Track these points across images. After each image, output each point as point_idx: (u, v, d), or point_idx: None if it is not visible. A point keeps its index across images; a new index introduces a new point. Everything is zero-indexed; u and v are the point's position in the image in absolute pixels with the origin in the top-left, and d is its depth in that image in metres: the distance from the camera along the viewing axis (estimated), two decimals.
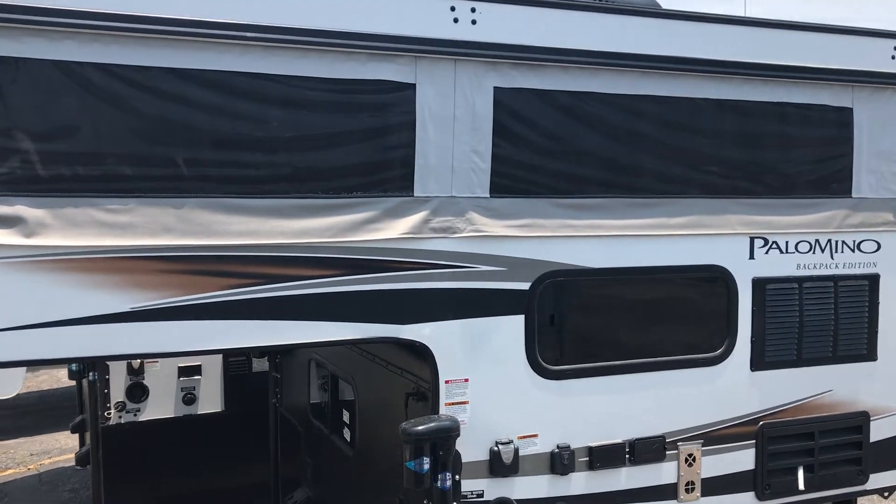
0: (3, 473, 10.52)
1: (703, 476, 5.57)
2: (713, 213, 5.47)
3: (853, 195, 5.89)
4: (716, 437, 5.61)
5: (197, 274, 4.43)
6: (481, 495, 5.03)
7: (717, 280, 5.62)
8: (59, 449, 11.28)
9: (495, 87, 4.93)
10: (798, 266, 5.80)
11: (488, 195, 4.95)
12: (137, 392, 8.11)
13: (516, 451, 5.05)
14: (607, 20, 5.14)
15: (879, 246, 6.01)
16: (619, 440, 5.34)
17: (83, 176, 4.19)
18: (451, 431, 4.75)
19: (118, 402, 8.06)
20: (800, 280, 5.81)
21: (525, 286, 5.06)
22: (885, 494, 6.33)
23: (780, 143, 5.67)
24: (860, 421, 6.03)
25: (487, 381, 5.01)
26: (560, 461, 5.15)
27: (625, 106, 5.24)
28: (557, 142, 5.12)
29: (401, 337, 4.85)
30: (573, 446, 5.20)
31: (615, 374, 5.34)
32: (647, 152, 5.34)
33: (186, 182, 4.37)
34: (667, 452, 5.46)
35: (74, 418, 9.59)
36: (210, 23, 4.30)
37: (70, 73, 4.13)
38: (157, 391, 8.20)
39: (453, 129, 4.85)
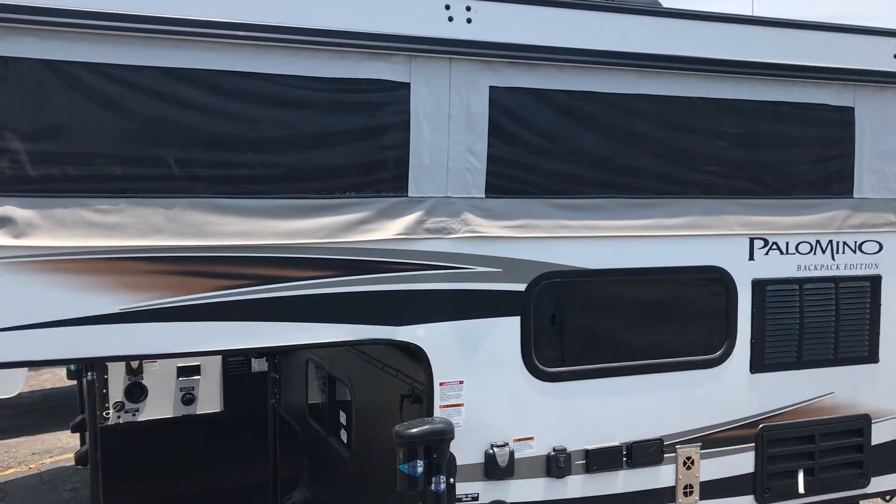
0: (5, 472, 10.51)
1: (702, 479, 5.52)
2: (712, 214, 5.42)
3: (854, 196, 5.83)
4: (715, 440, 5.56)
5: (188, 275, 4.39)
6: (476, 498, 4.99)
7: (715, 281, 5.56)
8: (60, 448, 11.26)
9: (491, 87, 4.89)
10: (798, 267, 5.75)
11: (484, 195, 4.91)
12: (136, 392, 8.08)
13: (512, 453, 5.01)
14: (604, 18, 5.09)
15: (881, 247, 5.95)
16: (617, 443, 5.29)
17: (73, 176, 4.16)
18: (444, 434, 4.71)
19: (117, 402, 8.03)
20: (800, 281, 5.75)
21: (521, 287, 5.02)
22: (887, 498, 6.26)
23: (780, 143, 5.62)
24: (861, 424, 5.97)
25: (483, 384, 4.97)
26: (556, 464, 5.11)
27: (622, 105, 5.19)
28: (554, 141, 5.07)
29: (395, 339, 4.81)
30: (569, 449, 5.16)
31: (612, 377, 5.29)
32: (644, 152, 5.29)
33: (177, 182, 4.34)
34: (665, 455, 5.41)
35: (76, 417, 9.58)
36: (201, 21, 4.26)
37: (59, 73, 4.10)
38: (156, 391, 8.17)
39: (448, 128, 4.80)
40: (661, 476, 5.42)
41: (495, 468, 4.97)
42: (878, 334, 5.98)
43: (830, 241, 5.81)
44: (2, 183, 4.04)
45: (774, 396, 5.72)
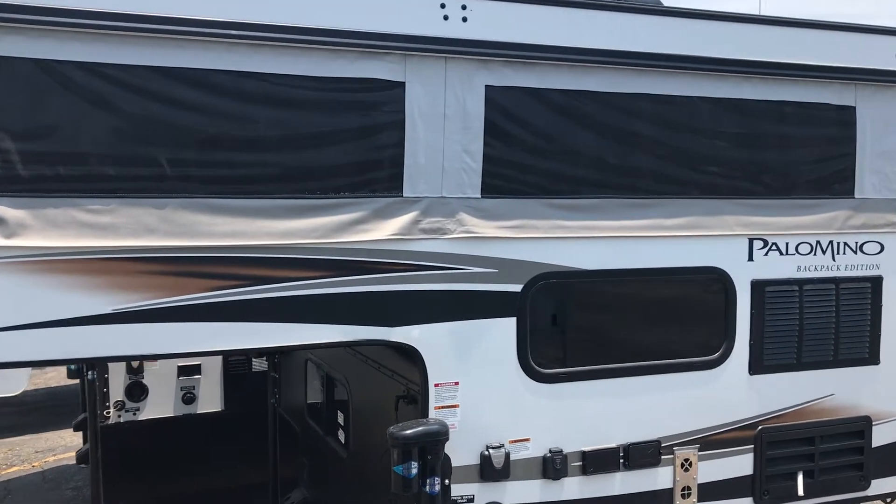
0: (8, 471, 10.52)
1: (700, 481, 5.49)
2: (710, 214, 5.38)
3: (856, 196, 5.78)
4: (713, 442, 5.52)
5: (181, 276, 4.38)
6: (472, 500, 4.97)
7: (714, 282, 5.52)
8: (63, 446, 11.27)
9: (487, 86, 4.86)
10: (798, 268, 5.70)
11: (479, 195, 4.88)
12: (137, 391, 8.09)
13: (507, 455, 4.98)
14: (602, 17, 5.05)
15: (883, 247, 5.90)
16: (614, 444, 5.26)
17: (64, 176, 4.15)
18: (439, 435, 4.69)
19: (117, 401, 8.04)
20: (800, 282, 5.70)
21: (517, 288, 4.99)
22: (888, 500, 6.22)
23: (780, 143, 5.57)
24: (862, 425, 5.92)
25: (478, 385, 4.94)
26: (552, 466, 5.08)
27: (620, 105, 5.16)
28: (550, 141, 5.04)
29: (389, 339, 4.78)
30: (566, 451, 5.13)
31: (609, 378, 5.26)
32: (642, 152, 5.26)
33: (170, 182, 4.32)
34: (662, 457, 5.38)
35: (78, 416, 9.58)
36: (194, 20, 4.24)
37: (50, 72, 4.09)
38: (157, 390, 8.17)
39: (444, 128, 4.78)
40: (658, 478, 5.38)
41: (491, 470, 4.94)
42: (879, 336, 5.93)
43: (831, 242, 5.77)
44: None
45: (773, 398, 5.68)
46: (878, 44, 5.73)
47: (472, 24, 4.74)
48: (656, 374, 5.36)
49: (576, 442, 5.17)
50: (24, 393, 11.72)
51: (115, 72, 4.19)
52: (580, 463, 5.18)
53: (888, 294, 5.93)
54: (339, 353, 6.16)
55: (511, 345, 5.00)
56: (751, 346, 5.60)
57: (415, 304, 4.79)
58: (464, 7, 4.72)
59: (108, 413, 7.98)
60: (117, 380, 8.03)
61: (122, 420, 8.04)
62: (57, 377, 14.67)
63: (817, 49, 5.54)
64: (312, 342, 4.70)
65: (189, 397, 8.27)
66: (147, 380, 8.12)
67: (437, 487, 4.70)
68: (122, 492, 7.69)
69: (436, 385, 4.85)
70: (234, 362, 8.46)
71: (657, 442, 5.36)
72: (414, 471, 4.63)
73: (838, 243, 5.79)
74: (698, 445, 5.47)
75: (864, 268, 5.87)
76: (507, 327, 4.98)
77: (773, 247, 5.61)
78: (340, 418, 6.35)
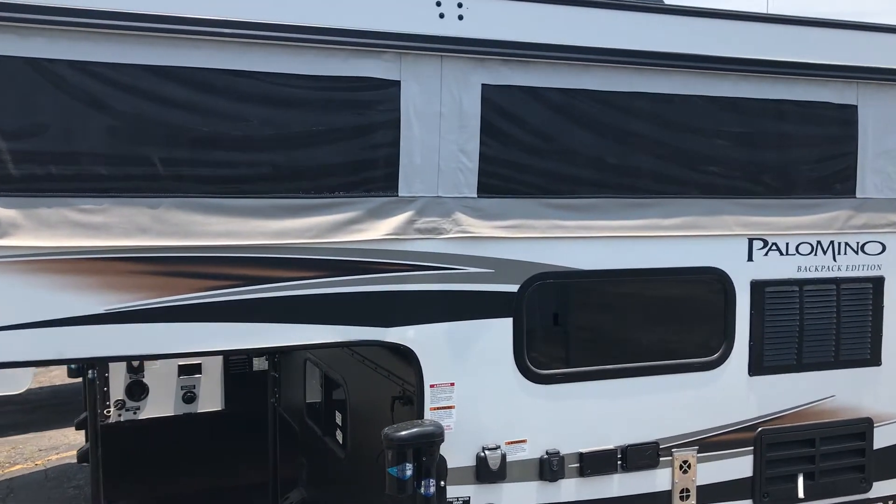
0: (11, 469, 10.54)
1: (699, 483, 5.44)
2: (709, 214, 5.33)
3: (857, 195, 5.73)
4: (712, 444, 5.48)
5: (173, 276, 4.35)
6: (468, 502, 4.93)
7: (713, 282, 5.47)
8: (67, 445, 11.29)
9: (483, 85, 4.82)
10: (799, 268, 5.65)
11: (476, 195, 4.84)
12: (137, 390, 8.06)
13: (504, 456, 4.95)
14: (599, 15, 5.01)
15: (884, 248, 5.84)
16: (611, 446, 5.22)
17: (56, 175, 4.13)
18: (434, 437, 4.66)
19: (118, 400, 8.01)
20: (800, 283, 5.65)
21: (513, 288, 4.95)
22: (890, 503, 6.15)
23: (781, 142, 5.52)
24: (863, 427, 5.86)
25: (474, 386, 4.91)
26: (549, 467, 5.04)
27: (618, 104, 5.11)
28: (548, 140, 5.00)
29: (384, 340, 4.76)
30: (563, 452, 5.09)
31: (607, 379, 5.21)
32: (641, 151, 5.21)
33: (163, 182, 4.30)
34: (661, 459, 5.33)
35: (81, 414, 9.58)
36: (186, 18, 4.21)
37: (42, 71, 4.07)
38: (157, 389, 8.15)
39: (439, 127, 4.74)
40: (656, 480, 5.34)
41: (487, 471, 4.91)
42: (881, 337, 5.88)
43: (832, 242, 5.71)
44: None
45: (773, 399, 5.63)
46: (881, 42, 5.68)
47: (468, 22, 4.71)
48: (655, 376, 5.32)
49: (573, 443, 5.13)
50: (28, 391, 11.75)
51: (107, 70, 4.17)
52: (577, 465, 5.14)
53: (890, 295, 5.87)
54: (337, 352, 6.13)
55: (507, 345, 4.96)
56: (750, 346, 5.55)
57: (410, 304, 4.76)
58: (460, 5, 4.69)
59: (109, 412, 7.96)
60: (118, 379, 8.00)
61: (122, 419, 8.02)
62: (61, 375, 14.67)
63: (818, 47, 5.49)
64: (306, 343, 4.68)
65: (189, 396, 8.25)
66: (147, 379, 8.09)
67: (433, 489, 4.67)
68: (122, 491, 7.70)
69: (431, 386, 4.82)
70: (235, 361, 8.43)
71: (655, 443, 5.31)
72: (408, 472, 4.60)
73: (839, 243, 5.74)
74: (697, 447, 5.43)
75: (865, 268, 5.81)
76: (503, 328, 4.95)
77: (774, 247, 5.56)
78: (338, 418, 6.33)
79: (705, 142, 5.34)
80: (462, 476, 4.90)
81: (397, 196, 4.71)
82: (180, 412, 8.26)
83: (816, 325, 5.70)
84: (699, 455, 5.43)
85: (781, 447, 5.66)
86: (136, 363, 7.99)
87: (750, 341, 5.54)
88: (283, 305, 4.53)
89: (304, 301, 4.57)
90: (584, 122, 5.06)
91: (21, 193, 4.06)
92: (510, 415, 5.00)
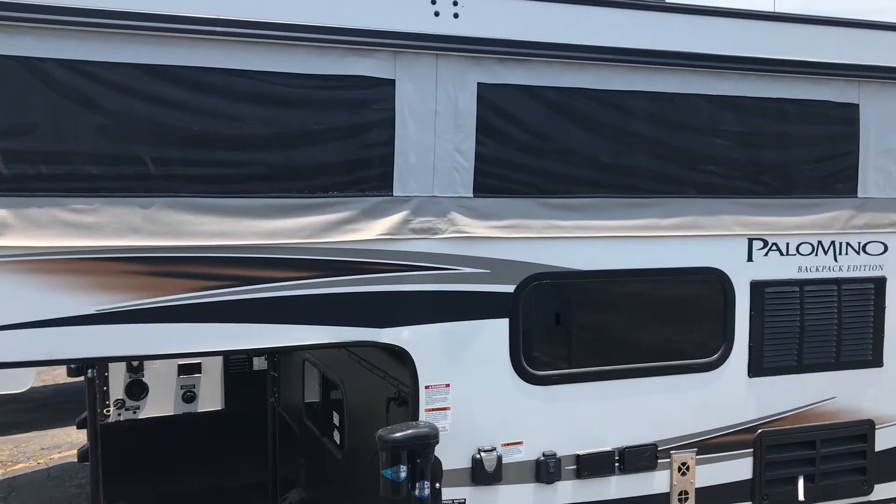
0: (14, 468, 10.54)
1: (698, 485, 5.40)
2: (708, 214, 5.28)
3: (859, 195, 5.67)
4: (711, 446, 5.43)
5: (166, 276, 4.33)
6: None
7: (712, 283, 5.42)
8: (69, 444, 11.28)
9: (479, 83, 4.78)
10: (799, 268, 5.60)
11: (471, 195, 4.80)
12: (137, 389, 8.03)
13: (500, 458, 4.91)
14: (596, 13, 4.97)
15: (886, 248, 5.79)
16: (609, 448, 5.18)
17: (47, 175, 4.11)
18: (428, 439, 4.63)
19: (117, 400, 7.99)
20: (801, 283, 5.60)
21: (509, 289, 4.91)
22: None
23: (781, 141, 5.47)
24: (864, 429, 5.81)
25: (470, 387, 4.87)
26: (546, 469, 5.00)
27: (615, 102, 5.07)
28: (544, 139, 4.96)
29: (378, 341, 4.72)
30: (559, 454, 5.05)
31: (605, 380, 5.17)
32: (639, 151, 5.17)
33: (155, 181, 4.27)
34: (659, 461, 5.29)
35: (82, 413, 9.57)
36: (178, 17, 4.18)
37: (32, 69, 4.04)
38: (157, 389, 8.12)
39: (435, 126, 4.70)
40: (654, 482, 5.30)
41: (483, 473, 4.87)
42: (883, 337, 5.82)
43: (833, 242, 5.66)
44: None
45: (773, 401, 5.58)
46: (883, 40, 5.62)
47: (463, 20, 4.67)
48: (653, 377, 5.28)
49: (570, 445, 5.09)
50: (31, 389, 11.71)
51: (99, 69, 4.14)
52: (574, 466, 5.10)
53: (892, 295, 5.82)
54: (336, 353, 6.10)
55: (503, 346, 4.92)
56: (750, 347, 5.50)
57: (405, 304, 4.72)
58: (455, 3, 4.65)
59: (108, 411, 7.94)
60: (117, 378, 7.98)
61: (122, 418, 8.00)
62: (64, 374, 14.63)
63: (819, 45, 5.44)
64: (300, 343, 4.65)
65: (189, 396, 8.22)
66: (147, 378, 8.06)
67: (427, 491, 4.64)
68: (122, 490, 7.67)
69: (426, 387, 4.78)
70: (235, 361, 8.41)
71: (654, 445, 5.27)
72: (403, 474, 4.57)
73: (840, 243, 5.68)
74: (696, 449, 5.39)
75: (867, 268, 5.76)
76: (499, 328, 4.91)
77: (774, 247, 5.51)
78: (336, 419, 6.30)
79: (704, 141, 5.29)
80: (458, 478, 4.86)
81: (392, 196, 4.67)
82: (180, 412, 8.24)
83: (817, 325, 5.65)
84: (698, 457, 5.39)
85: (781, 449, 5.61)
86: (135, 362, 7.98)
87: (750, 342, 5.49)
88: (276, 306, 4.50)
89: (298, 302, 4.54)
90: (582, 120, 5.02)
91: (12, 193, 4.04)
92: (506, 416, 4.97)
